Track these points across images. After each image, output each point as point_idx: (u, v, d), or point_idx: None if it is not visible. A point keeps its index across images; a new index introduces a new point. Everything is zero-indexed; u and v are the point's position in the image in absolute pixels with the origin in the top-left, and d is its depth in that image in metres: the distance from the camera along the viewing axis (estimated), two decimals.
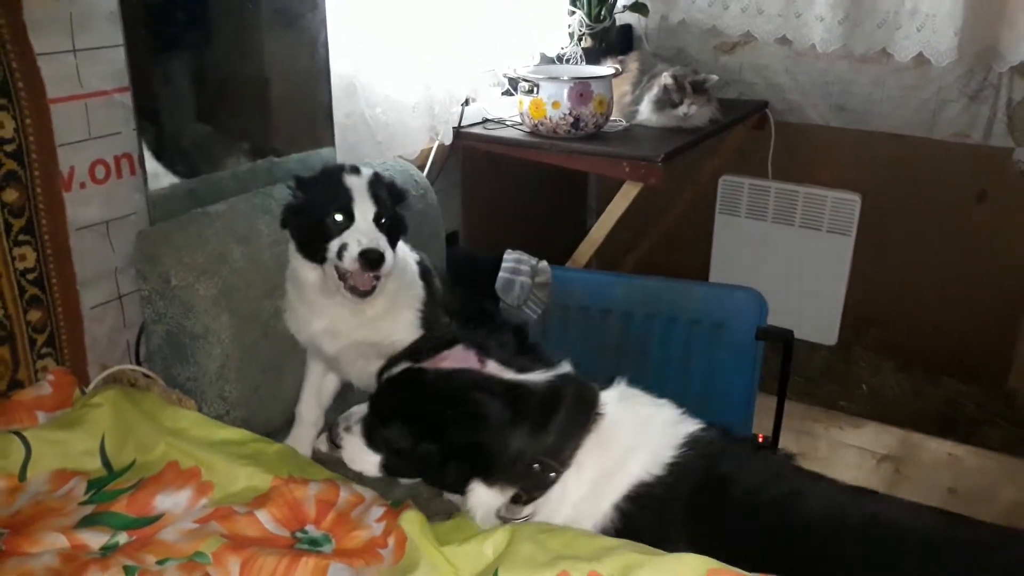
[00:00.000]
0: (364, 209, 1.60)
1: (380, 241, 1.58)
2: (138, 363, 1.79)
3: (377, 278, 1.60)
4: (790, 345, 2.10)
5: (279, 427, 1.83)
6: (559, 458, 1.29)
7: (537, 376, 1.35)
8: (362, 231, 1.58)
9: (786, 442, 2.16)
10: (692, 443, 1.29)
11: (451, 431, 1.29)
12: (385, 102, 2.28)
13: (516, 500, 1.31)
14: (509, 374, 1.35)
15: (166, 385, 1.67)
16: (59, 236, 1.61)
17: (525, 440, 1.29)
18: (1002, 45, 2.73)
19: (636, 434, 1.32)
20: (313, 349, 1.79)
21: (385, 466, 1.39)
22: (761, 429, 2.17)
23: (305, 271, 1.68)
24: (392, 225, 1.64)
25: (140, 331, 1.78)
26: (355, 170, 1.65)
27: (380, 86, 2.26)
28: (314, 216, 1.61)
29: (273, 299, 1.78)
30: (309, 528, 1.34)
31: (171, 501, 1.36)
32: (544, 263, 2.29)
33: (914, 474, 2.42)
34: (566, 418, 1.31)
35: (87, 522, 1.30)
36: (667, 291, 2.25)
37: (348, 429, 1.40)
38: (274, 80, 2.04)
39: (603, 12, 2.98)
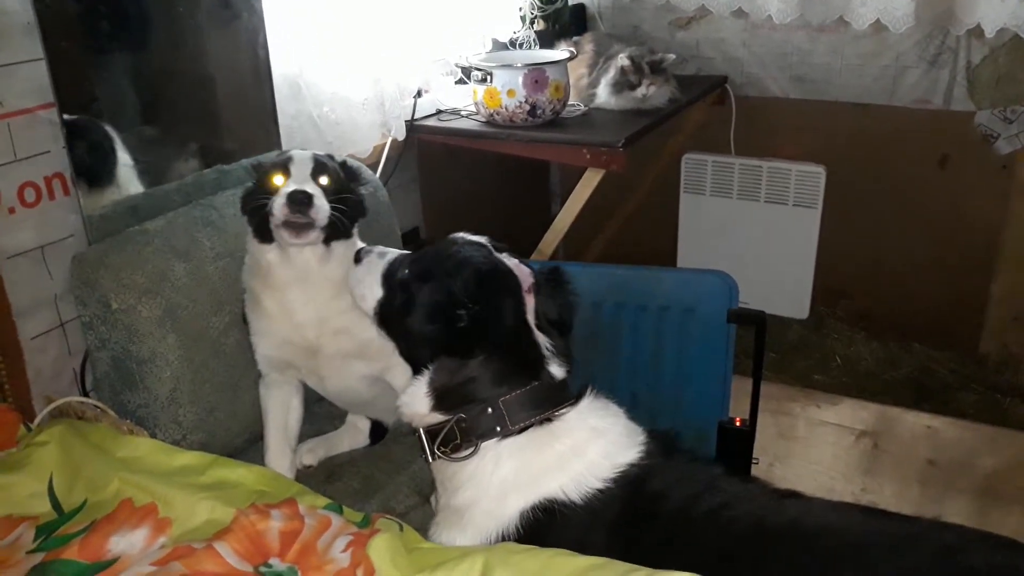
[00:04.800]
0: (301, 166, 1.57)
1: (311, 188, 1.54)
2: (84, 393, 1.70)
3: (310, 224, 1.54)
4: (763, 327, 2.07)
5: (240, 448, 1.76)
6: (506, 422, 1.27)
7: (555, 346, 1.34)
8: (296, 181, 1.55)
9: (764, 423, 2.13)
10: (622, 476, 1.26)
11: (472, 302, 1.27)
12: (333, 100, 2.19)
13: (447, 441, 1.28)
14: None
15: (117, 416, 1.59)
16: None
17: (501, 374, 1.28)
18: (958, 8, 2.69)
19: (567, 454, 1.28)
20: (281, 357, 1.68)
21: (380, 306, 1.39)
22: (738, 412, 2.14)
23: (268, 255, 1.61)
24: (344, 200, 1.59)
25: (84, 359, 1.69)
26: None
27: (326, 83, 2.18)
28: (260, 189, 1.59)
29: (221, 315, 1.70)
30: (274, 562, 1.26)
31: (126, 542, 1.27)
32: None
33: (892, 448, 2.40)
34: (537, 395, 1.29)
35: (37, 572, 1.22)
36: (635, 279, 2.19)
37: (380, 255, 1.43)
38: (213, 86, 1.95)
39: None
